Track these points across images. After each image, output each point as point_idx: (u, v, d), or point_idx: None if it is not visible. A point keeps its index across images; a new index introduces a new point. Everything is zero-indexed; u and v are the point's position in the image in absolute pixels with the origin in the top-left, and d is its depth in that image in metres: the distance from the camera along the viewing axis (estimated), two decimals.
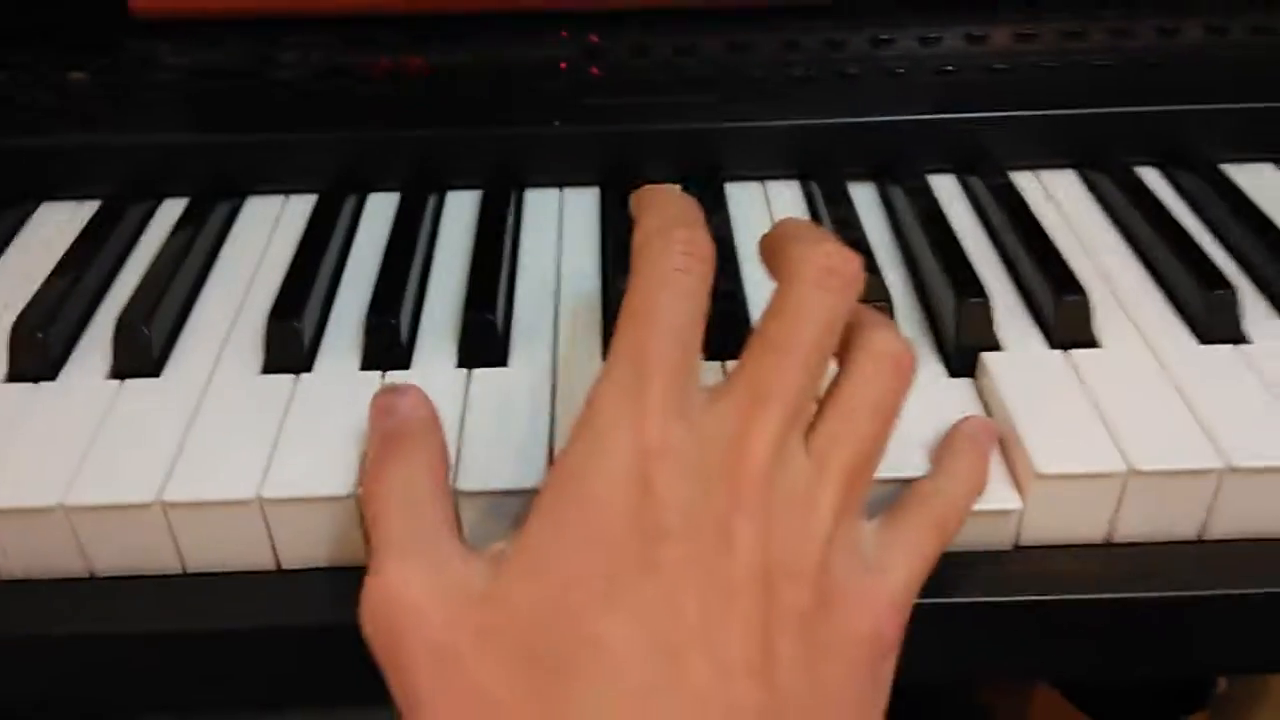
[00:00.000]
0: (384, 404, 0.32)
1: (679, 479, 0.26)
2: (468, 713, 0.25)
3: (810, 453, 0.28)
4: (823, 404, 0.30)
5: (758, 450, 0.27)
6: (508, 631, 0.26)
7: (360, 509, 0.32)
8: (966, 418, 0.34)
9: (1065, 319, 0.38)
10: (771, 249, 0.32)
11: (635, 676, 0.25)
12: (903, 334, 0.31)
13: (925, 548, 0.30)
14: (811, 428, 0.29)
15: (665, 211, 0.32)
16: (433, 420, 0.32)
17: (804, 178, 0.49)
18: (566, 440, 0.28)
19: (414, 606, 0.26)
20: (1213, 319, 0.38)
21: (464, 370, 0.38)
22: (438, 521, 0.29)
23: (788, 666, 0.26)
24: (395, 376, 0.37)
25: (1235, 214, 0.44)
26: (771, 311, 0.29)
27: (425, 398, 0.32)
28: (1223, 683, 0.68)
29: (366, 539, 0.32)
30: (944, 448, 0.33)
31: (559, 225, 0.47)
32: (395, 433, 0.31)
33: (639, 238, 0.31)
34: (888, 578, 0.29)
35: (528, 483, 0.33)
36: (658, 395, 0.27)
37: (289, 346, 0.38)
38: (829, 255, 0.30)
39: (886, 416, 0.30)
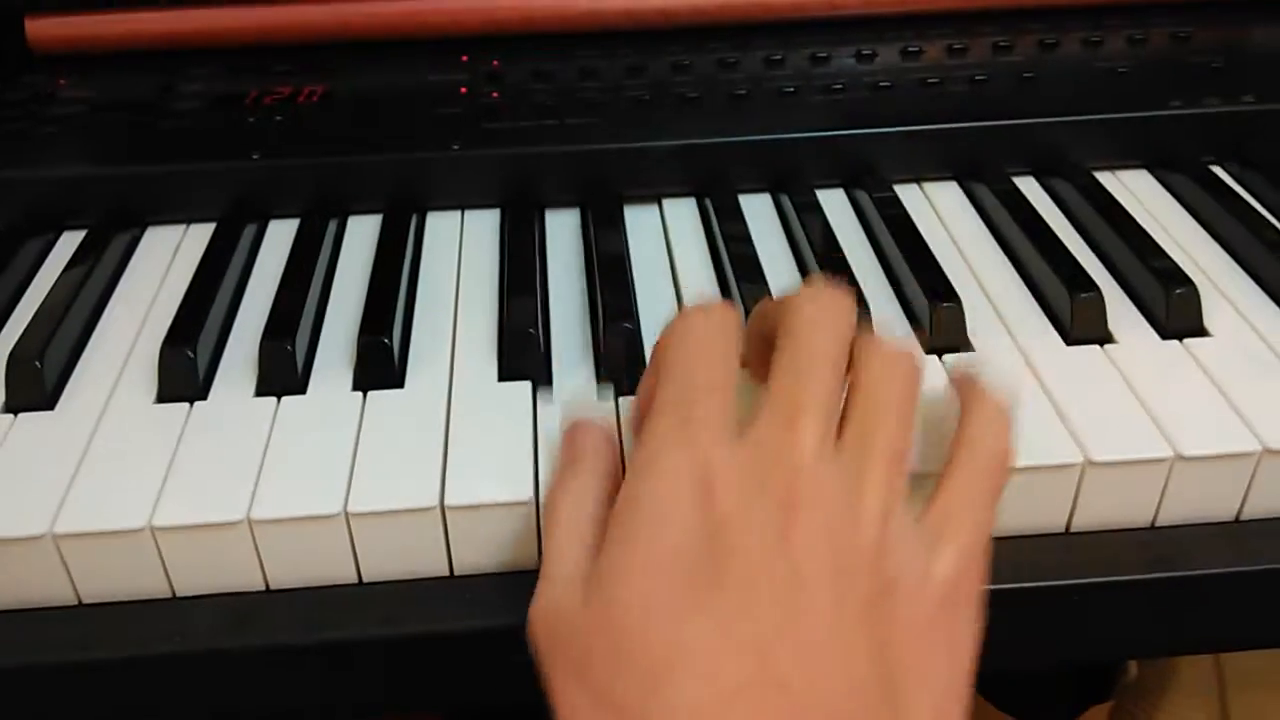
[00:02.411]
0: (567, 436, 0.34)
1: (735, 493, 0.29)
2: None
3: (845, 452, 0.30)
4: (846, 409, 0.31)
5: (803, 458, 0.29)
6: (600, 636, 0.28)
7: None
8: (954, 364, 0.36)
9: (939, 325, 0.40)
10: (760, 313, 0.34)
11: (725, 674, 0.26)
12: (899, 343, 0.33)
13: (978, 514, 0.31)
14: (840, 433, 0.31)
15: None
16: (608, 445, 0.34)
17: (699, 195, 0.50)
18: (626, 479, 0.30)
19: (548, 619, 0.29)
20: (1078, 321, 0.40)
21: (359, 393, 0.38)
22: (595, 538, 0.31)
23: (864, 655, 0.27)
24: (291, 401, 0.38)
25: (1106, 220, 0.46)
26: (781, 340, 0.32)
27: (603, 426, 0.34)
28: (1132, 670, 0.70)
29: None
30: (963, 390, 0.34)
31: (459, 247, 0.47)
32: (570, 458, 0.33)
33: (668, 327, 0.33)
34: (943, 556, 0.30)
35: (423, 502, 0.34)
36: (707, 423, 0.30)
37: (183, 374, 0.38)
38: (817, 289, 0.33)
39: (906, 410, 0.31)
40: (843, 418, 0.31)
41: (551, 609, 0.29)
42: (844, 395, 0.32)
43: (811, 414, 0.30)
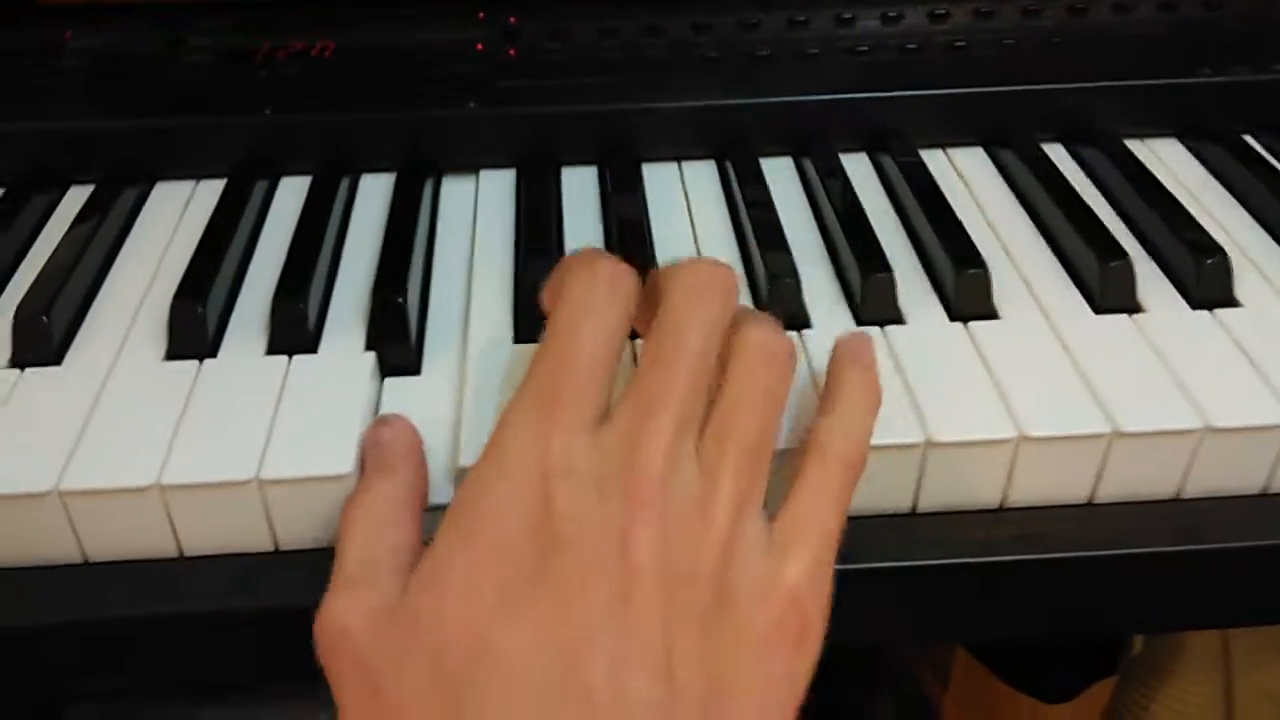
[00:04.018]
0: (371, 437, 0.33)
1: (577, 493, 0.28)
2: None
3: (700, 454, 0.29)
4: (714, 399, 0.30)
5: (650, 458, 0.28)
6: (414, 647, 0.27)
7: None
8: (840, 337, 0.35)
9: (965, 292, 0.39)
10: (648, 286, 0.32)
11: (533, 682, 0.26)
12: (776, 325, 0.32)
13: (827, 519, 0.30)
14: (705, 424, 0.30)
15: (595, 253, 0.32)
16: (409, 448, 0.33)
17: (719, 157, 0.49)
18: (477, 460, 0.29)
19: (343, 629, 0.28)
20: (1107, 289, 0.39)
21: (372, 353, 0.38)
22: (385, 548, 0.30)
23: (685, 664, 0.27)
24: (302, 360, 0.37)
25: (1136, 188, 0.45)
26: (652, 330, 0.31)
27: (406, 425, 0.34)
28: (1137, 644, 0.70)
29: None
30: (830, 375, 0.33)
31: (474, 206, 0.47)
32: (374, 463, 0.32)
33: (562, 264, 0.32)
34: (788, 567, 0.29)
35: (441, 452, 0.34)
36: (563, 416, 0.29)
37: (193, 330, 0.38)
38: (697, 268, 0.31)
39: (767, 407, 0.30)
40: (709, 407, 0.30)
41: (342, 614, 0.28)
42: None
43: (663, 414, 0.28)
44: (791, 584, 0.29)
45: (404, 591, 0.28)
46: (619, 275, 0.31)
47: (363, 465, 0.33)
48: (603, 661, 0.26)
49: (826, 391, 0.33)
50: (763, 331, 0.31)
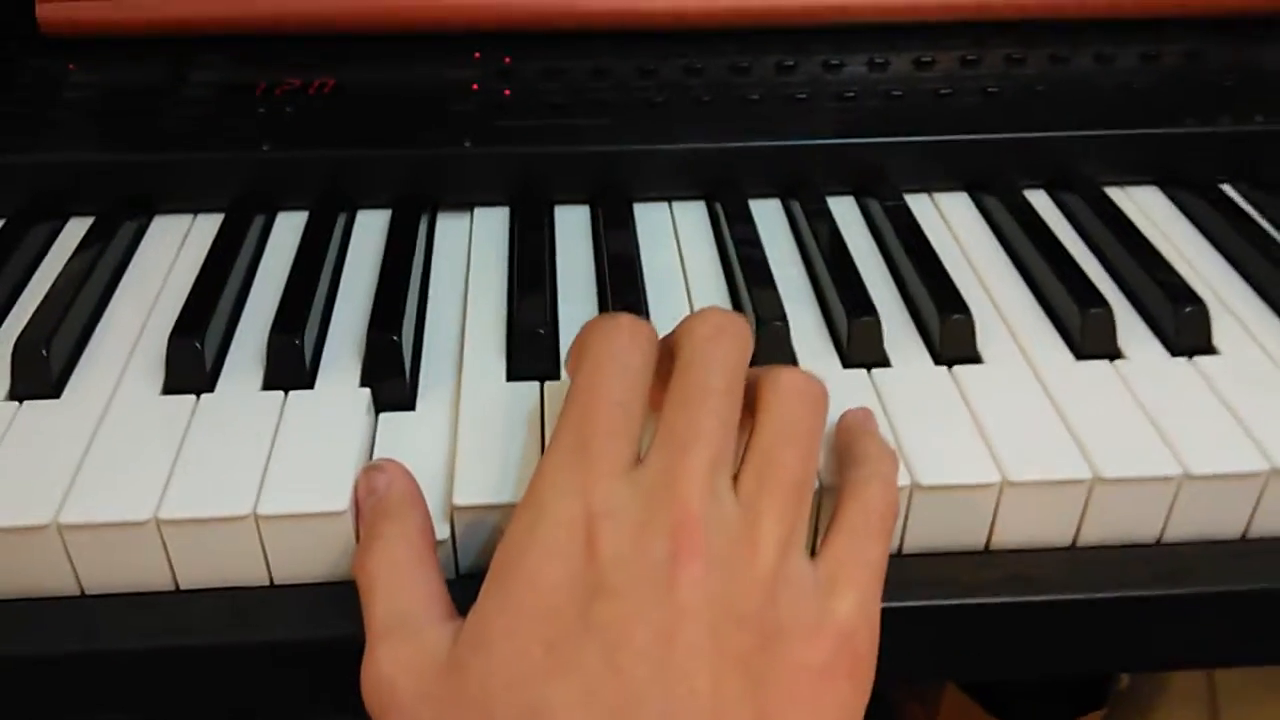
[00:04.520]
0: (365, 485, 0.33)
1: (618, 536, 0.28)
2: None
3: (740, 495, 0.29)
4: (749, 440, 0.31)
5: (689, 495, 0.28)
6: (463, 705, 0.27)
7: None
8: (845, 412, 0.36)
9: (950, 336, 0.40)
10: (664, 344, 0.33)
11: None
12: (807, 372, 0.32)
13: (870, 553, 0.30)
14: (741, 465, 0.30)
15: (612, 316, 0.33)
16: (411, 494, 0.33)
17: (709, 198, 0.50)
18: (514, 513, 0.30)
19: (389, 684, 0.28)
20: (1088, 336, 0.40)
21: (367, 390, 0.38)
22: (416, 596, 0.30)
23: (734, 707, 0.26)
24: (298, 396, 0.38)
25: (1116, 235, 0.46)
26: (674, 375, 0.31)
27: (403, 471, 0.34)
28: (1124, 680, 0.70)
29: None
30: (844, 442, 0.34)
31: (468, 243, 0.47)
32: (376, 511, 0.32)
33: (586, 328, 0.33)
34: (836, 602, 0.29)
35: (436, 489, 0.34)
36: (598, 462, 0.29)
37: (190, 366, 0.38)
38: (716, 315, 0.32)
39: (804, 446, 0.31)
40: (745, 449, 0.30)
41: (390, 673, 0.28)
42: (746, 428, 0.31)
43: (695, 452, 0.29)
44: (841, 620, 0.29)
45: (451, 644, 0.28)
46: (638, 325, 0.32)
47: (358, 512, 0.33)
48: (658, 711, 0.26)
49: (847, 453, 0.33)
50: (795, 374, 0.32)
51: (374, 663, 0.29)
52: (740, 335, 0.32)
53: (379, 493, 0.33)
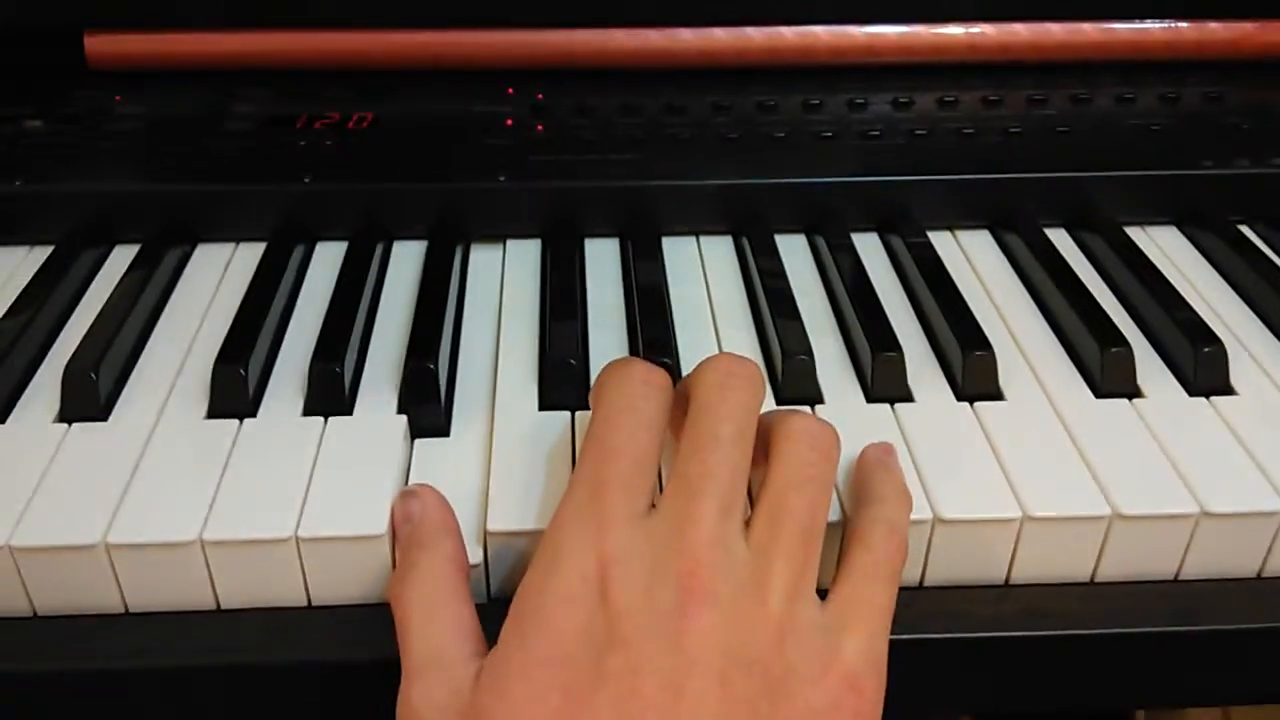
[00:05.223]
0: (402, 512, 0.34)
1: (630, 582, 0.28)
2: None
3: (750, 541, 0.30)
4: (762, 485, 0.32)
5: (698, 541, 0.29)
6: None
7: None
8: (866, 447, 0.36)
9: (972, 373, 0.41)
10: (677, 391, 0.34)
11: None
12: (818, 418, 0.33)
13: (878, 596, 0.31)
14: (754, 509, 0.31)
15: (626, 360, 0.34)
16: (445, 522, 0.34)
17: (736, 233, 0.51)
18: (532, 560, 0.31)
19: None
20: (1108, 374, 0.41)
21: (404, 416, 0.39)
22: (448, 631, 0.31)
23: None
24: (338, 422, 0.39)
25: (1135, 275, 0.47)
26: (687, 422, 0.32)
27: (438, 498, 0.35)
28: (1140, 717, 0.70)
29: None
30: (861, 478, 0.35)
31: (501, 275, 0.49)
32: (413, 540, 0.33)
33: (602, 373, 0.34)
34: (843, 647, 0.30)
35: (469, 513, 0.35)
36: (612, 509, 0.30)
37: (234, 391, 0.39)
38: (727, 361, 0.33)
39: (814, 493, 0.31)
40: (758, 495, 0.31)
41: (423, 711, 0.29)
42: (760, 470, 0.32)
43: (707, 498, 0.29)
44: (848, 662, 0.29)
45: (474, 680, 0.29)
46: (652, 373, 0.33)
47: (394, 538, 0.34)
48: None
49: (861, 491, 0.34)
50: (807, 420, 0.33)
51: (405, 700, 0.30)
52: (750, 380, 0.33)
53: (414, 519, 0.34)
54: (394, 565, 0.35)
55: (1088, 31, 0.57)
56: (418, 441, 0.39)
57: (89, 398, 0.39)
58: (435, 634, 0.31)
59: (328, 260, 0.49)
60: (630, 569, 0.29)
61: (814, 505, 0.31)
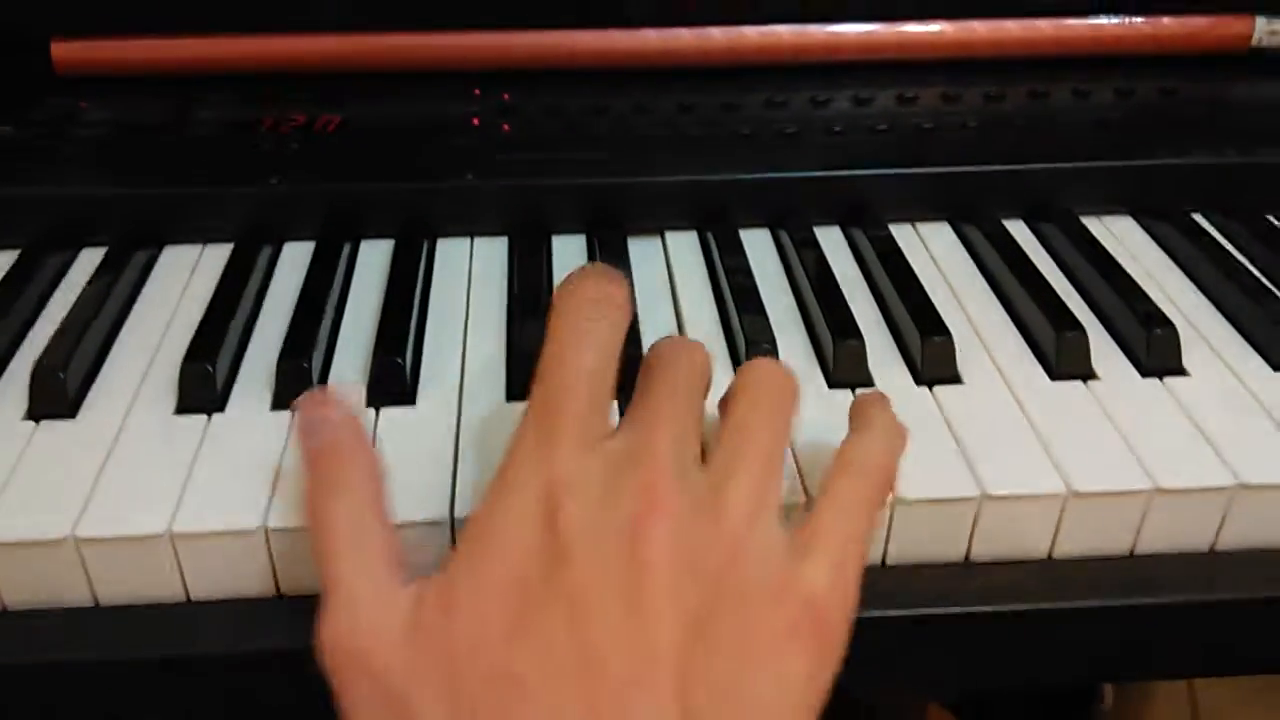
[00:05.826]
0: (312, 413, 0.33)
1: (583, 505, 0.28)
2: None
3: (711, 465, 0.30)
4: (721, 419, 0.32)
5: (654, 461, 0.29)
6: (432, 670, 0.27)
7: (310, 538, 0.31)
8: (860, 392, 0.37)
9: (931, 357, 0.42)
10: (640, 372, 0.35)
11: (551, 705, 0.26)
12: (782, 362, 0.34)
13: (849, 526, 0.30)
14: (715, 444, 0.31)
15: (581, 277, 0.34)
16: (359, 431, 0.33)
17: (701, 228, 0.52)
18: (488, 486, 0.30)
19: (357, 648, 0.28)
20: (1063, 357, 0.42)
21: (372, 410, 0.40)
22: (383, 556, 0.30)
23: (695, 666, 0.27)
24: None
25: (1090, 261, 0.48)
26: (641, 374, 0.33)
27: (346, 408, 0.33)
28: (1108, 696, 0.71)
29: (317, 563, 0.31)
30: (854, 413, 0.35)
31: (468, 272, 0.49)
32: (328, 453, 0.32)
33: (555, 292, 0.34)
34: (806, 568, 0.29)
35: (432, 515, 0.35)
36: (564, 434, 0.30)
37: (202, 387, 0.40)
38: (676, 339, 0.34)
39: (776, 420, 0.32)
40: (720, 431, 0.31)
41: (358, 636, 0.28)
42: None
43: (667, 424, 0.30)
44: (808, 585, 0.28)
45: (415, 607, 0.28)
46: (604, 287, 0.33)
47: (303, 446, 0.32)
48: (617, 670, 0.26)
49: (852, 424, 0.34)
50: (766, 362, 0.33)
51: (335, 625, 0.28)
52: (699, 351, 0.33)
53: (328, 431, 0.32)
54: None
55: (1044, 28, 0.59)
56: (383, 434, 0.39)
57: (57, 395, 0.39)
58: (367, 560, 0.29)
59: (295, 261, 0.49)
60: (583, 490, 0.28)
61: (775, 432, 0.31)
